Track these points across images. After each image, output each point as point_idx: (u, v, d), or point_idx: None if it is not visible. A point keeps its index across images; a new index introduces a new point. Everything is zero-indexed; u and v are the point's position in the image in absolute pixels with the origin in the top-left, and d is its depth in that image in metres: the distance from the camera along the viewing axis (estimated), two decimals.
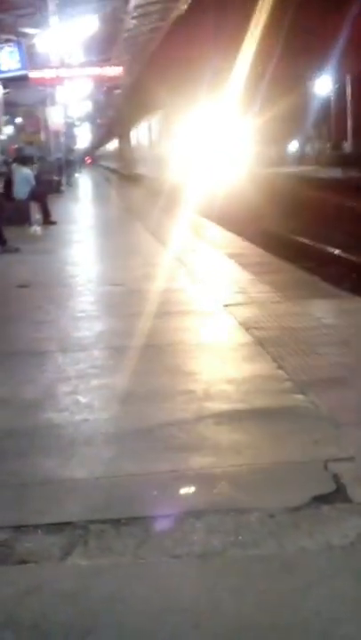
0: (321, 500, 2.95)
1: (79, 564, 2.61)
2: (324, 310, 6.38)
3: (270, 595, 2.39)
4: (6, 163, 15.15)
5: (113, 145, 64.55)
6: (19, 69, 16.18)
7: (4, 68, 16.45)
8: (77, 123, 52.54)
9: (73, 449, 3.58)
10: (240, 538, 2.71)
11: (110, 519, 2.87)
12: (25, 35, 18.63)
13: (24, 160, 16.30)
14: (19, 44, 16.13)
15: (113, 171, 58.70)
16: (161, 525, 2.81)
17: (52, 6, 17.81)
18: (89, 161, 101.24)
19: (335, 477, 3.13)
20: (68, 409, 4.13)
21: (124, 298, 7.33)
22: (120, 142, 55.16)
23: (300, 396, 4.11)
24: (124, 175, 47.03)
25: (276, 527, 2.77)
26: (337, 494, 3.01)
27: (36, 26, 18.98)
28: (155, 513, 2.90)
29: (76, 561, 2.62)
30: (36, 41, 19.65)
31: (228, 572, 2.53)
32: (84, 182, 42.24)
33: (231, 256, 9.64)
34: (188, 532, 2.76)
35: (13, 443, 3.68)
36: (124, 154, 50.39)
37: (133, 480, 3.24)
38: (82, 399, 4.28)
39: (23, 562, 2.61)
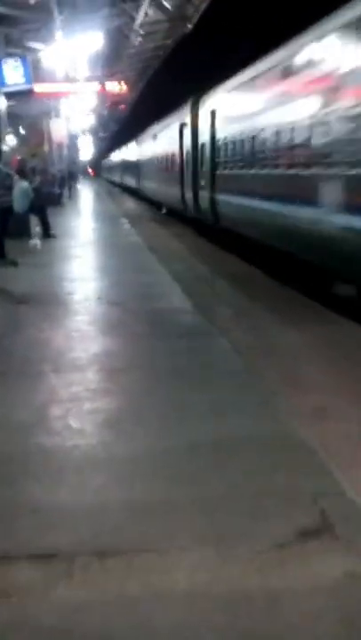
0: None
1: (63, 598, 2.58)
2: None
3: (257, 636, 2.37)
4: (9, 175, 15.14)
5: (117, 156, 58.49)
6: (23, 84, 16.31)
7: (9, 82, 16.57)
8: (81, 135, 52.81)
9: (62, 476, 3.57)
10: (227, 574, 2.69)
11: (96, 551, 2.86)
12: (30, 49, 18.77)
13: (23, 173, 16.32)
14: (24, 59, 16.27)
15: (117, 184, 56.13)
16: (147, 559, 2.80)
17: (57, 22, 17.94)
18: (92, 173, 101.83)
19: None
20: (60, 433, 4.11)
21: (121, 317, 7.32)
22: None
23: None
24: (127, 188, 43.68)
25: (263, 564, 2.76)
26: None
27: (41, 41, 19.10)
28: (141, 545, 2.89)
29: (59, 595, 2.60)
30: (41, 55, 19.79)
31: (214, 610, 2.51)
32: (85, 194, 42.31)
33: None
34: (174, 567, 2.75)
35: (2, 468, 3.66)
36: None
37: (121, 509, 3.22)
38: (73, 424, 4.27)
39: (6, 595, 2.59)
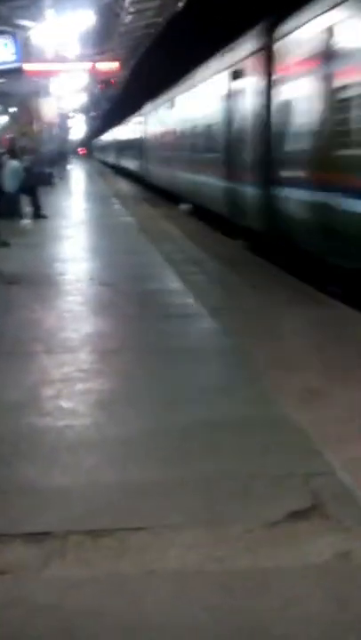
0: None
1: (56, 576, 2.61)
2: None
3: (248, 614, 2.40)
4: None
5: (112, 135, 54.82)
6: (13, 62, 16.16)
7: None
8: (71, 114, 52.26)
9: (55, 456, 3.58)
10: (218, 553, 2.72)
11: (89, 530, 2.88)
12: (20, 27, 18.55)
13: (13, 152, 16.20)
14: (14, 36, 16.10)
15: (110, 166, 54.59)
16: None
17: None
18: (82, 152, 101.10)
19: None
20: (52, 414, 4.12)
21: (112, 298, 7.32)
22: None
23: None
24: (124, 171, 41.90)
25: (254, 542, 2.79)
26: None
27: (31, 18, 18.87)
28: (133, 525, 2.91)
29: (53, 573, 2.62)
30: (31, 33, 19.56)
31: (206, 589, 2.53)
32: (76, 175, 42.02)
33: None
34: (166, 546, 2.77)
35: None
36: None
37: (113, 490, 3.24)
38: (65, 404, 4.28)
39: (0, 573, 2.61)
